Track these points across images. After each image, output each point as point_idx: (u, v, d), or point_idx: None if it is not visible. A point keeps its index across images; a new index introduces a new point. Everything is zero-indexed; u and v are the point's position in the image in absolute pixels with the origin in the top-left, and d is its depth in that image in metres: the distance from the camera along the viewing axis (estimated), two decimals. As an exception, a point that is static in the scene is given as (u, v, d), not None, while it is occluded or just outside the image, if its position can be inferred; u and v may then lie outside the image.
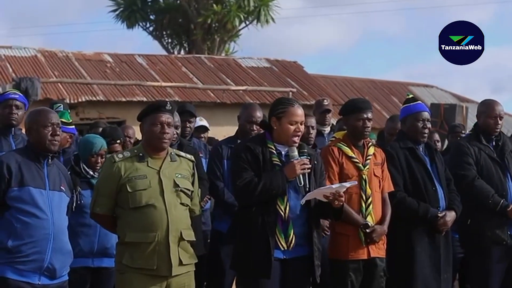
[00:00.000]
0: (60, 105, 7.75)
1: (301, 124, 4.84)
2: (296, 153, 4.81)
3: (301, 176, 4.76)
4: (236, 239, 4.94)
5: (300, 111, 4.86)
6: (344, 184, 4.83)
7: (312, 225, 4.83)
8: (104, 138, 6.33)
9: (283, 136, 4.85)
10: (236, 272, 5.05)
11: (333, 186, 4.77)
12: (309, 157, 4.83)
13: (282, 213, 4.74)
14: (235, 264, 4.95)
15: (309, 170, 4.80)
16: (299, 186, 4.76)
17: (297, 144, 4.85)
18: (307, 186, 4.79)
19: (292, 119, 4.82)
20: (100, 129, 7.61)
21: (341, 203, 4.76)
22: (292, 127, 4.81)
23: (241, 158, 4.83)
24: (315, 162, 4.93)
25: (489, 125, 6.16)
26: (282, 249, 4.74)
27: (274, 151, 4.84)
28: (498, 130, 6.20)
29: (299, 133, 4.84)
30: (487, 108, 6.19)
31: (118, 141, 6.28)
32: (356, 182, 5.11)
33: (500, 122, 6.16)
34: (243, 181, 4.76)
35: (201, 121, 7.86)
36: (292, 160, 4.79)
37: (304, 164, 4.77)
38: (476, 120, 6.34)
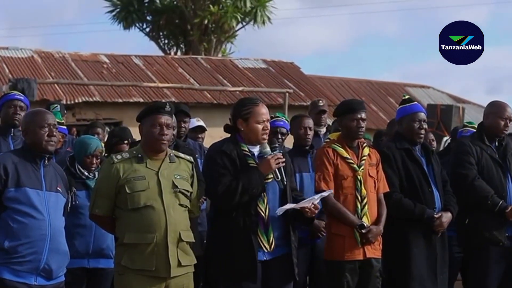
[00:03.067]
0: (57, 106, 7.79)
1: (267, 122, 4.88)
2: (268, 149, 4.84)
3: (277, 170, 4.79)
4: (215, 246, 4.83)
5: (264, 110, 4.89)
6: (314, 197, 4.83)
7: (289, 226, 4.86)
8: (112, 138, 6.33)
9: (252, 136, 4.86)
10: (220, 279, 4.85)
11: (296, 205, 4.77)
12: (281, 151, 4.87)
13: (263, 214, 4.75)
14: (217, 272, 4.83)
15: (284, 164, 4.82)
16: (276, 180, 4.78)
17: (266, 141, 4.87)
18: (285, 180, 4.81)
19: (259, 118, 4.84)
20: (98, 129, 7.63)
21: (313, 215, 4.82)
22: (260, 126, 4.84)
23: (217, 163, 4.79)
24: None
25: (498, 126, 6.11)
26: (265, 250, 4.75)
27: (249, 153, 4.84)
28: (506, 132, 6.17)
29: (267, 131, 4.87)
30: (498, 109, 6.15)
31: (126, 141, 6.26)
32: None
33: (509, 124, 6.14)
34: (223, 186, 4.72)
35: (198, 122, 7.83)
36: (265, 156, 4.81)
37: (278, 158, 4.79)
38: (472, 121, 6.33)
